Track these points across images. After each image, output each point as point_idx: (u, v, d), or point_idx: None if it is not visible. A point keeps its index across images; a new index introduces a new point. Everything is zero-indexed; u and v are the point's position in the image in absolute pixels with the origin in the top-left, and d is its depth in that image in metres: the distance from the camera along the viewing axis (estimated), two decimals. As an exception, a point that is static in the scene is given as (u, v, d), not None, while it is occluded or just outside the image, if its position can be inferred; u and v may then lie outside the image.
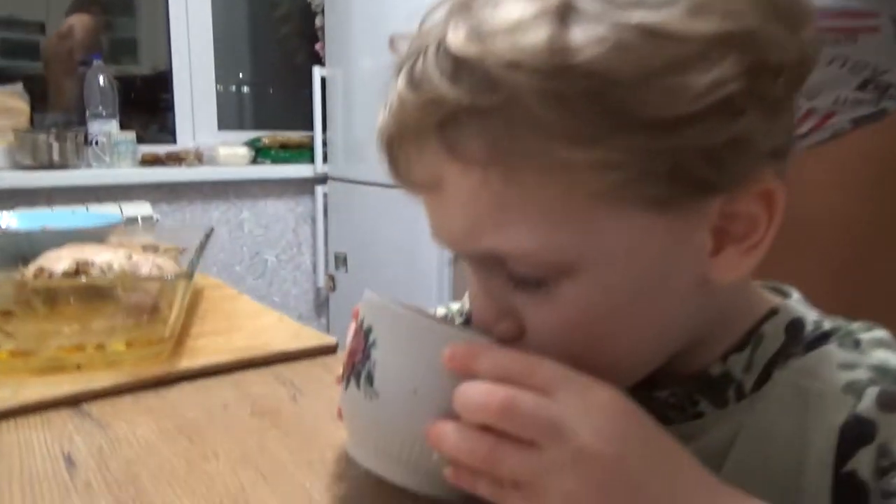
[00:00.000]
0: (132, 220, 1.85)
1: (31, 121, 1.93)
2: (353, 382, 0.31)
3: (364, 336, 0.31)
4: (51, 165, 1.81)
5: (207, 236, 0.69)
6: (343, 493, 0.34)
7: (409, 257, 1.90)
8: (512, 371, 0.28)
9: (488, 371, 0.28)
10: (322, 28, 2.17)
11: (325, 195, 2.22)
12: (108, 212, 1.84)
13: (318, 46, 2.22)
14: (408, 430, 0.29)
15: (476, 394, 0.27)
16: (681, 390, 0.37)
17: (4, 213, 0.89)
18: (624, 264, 0.31)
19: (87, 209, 1.71)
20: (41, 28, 2.46)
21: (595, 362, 0.30)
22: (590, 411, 0.27)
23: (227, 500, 0.34)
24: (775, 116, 0.31)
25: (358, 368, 0.30)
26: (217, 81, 2.25)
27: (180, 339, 0.56)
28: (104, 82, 2.00)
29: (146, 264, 0.65)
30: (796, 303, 0.38)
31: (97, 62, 2.01)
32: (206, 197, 2.08)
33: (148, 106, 2.33)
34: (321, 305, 2.36)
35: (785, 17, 0.30)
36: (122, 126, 1.98)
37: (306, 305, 2.33)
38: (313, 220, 2.27)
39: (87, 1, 2.30)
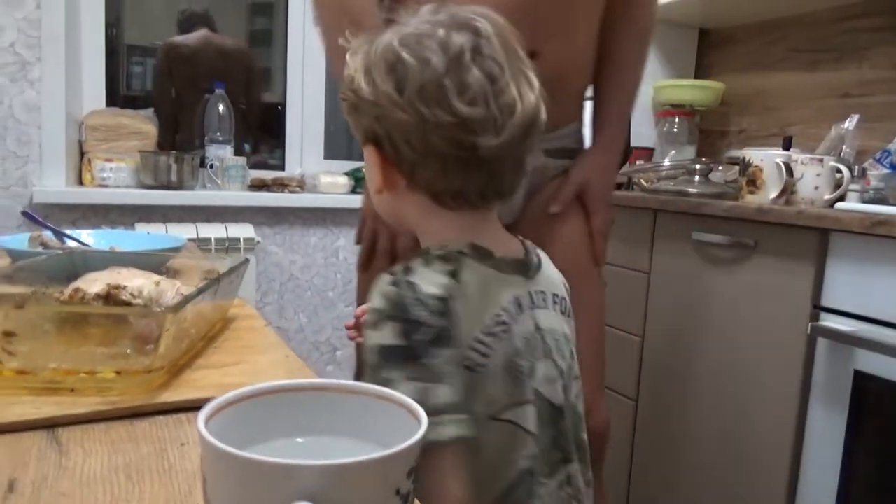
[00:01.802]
0: (234, 241, 1.96)
1: (159, 142, 2.11)
2: None
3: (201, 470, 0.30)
4: (169, 185, 1.97)
5: (233, 269, 0.71)
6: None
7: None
8: None
9: None
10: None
11: (418, 227, 2.25)
12: (214, 231, 1.96)
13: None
14: None
15: None
16: None
17: (84, 231, 0.97)
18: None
19: (166, 230, 1.83)
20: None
21: None
22: None
23: (119, 551, 0.33)
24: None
25: None
26: (327, 113, 2.37)
27: (181, 370, 0.58)
28: (223, 110, 2.15)
29: (170, 291, 0.68)
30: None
31: (219, 91, 2.16)
32: (306, 222, 2.17)
33: (271, 131, 2.50)
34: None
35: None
36: (243, 149, 2.12)
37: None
38: (405, 251, 2.30)
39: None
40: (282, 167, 2.33)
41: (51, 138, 1.87)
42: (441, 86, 0.59)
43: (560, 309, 0.73)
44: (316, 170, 2.27)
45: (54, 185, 1.86)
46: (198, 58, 2.45)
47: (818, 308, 1.23)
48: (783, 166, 1.34)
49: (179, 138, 2.39)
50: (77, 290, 0.65)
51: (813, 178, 1.38)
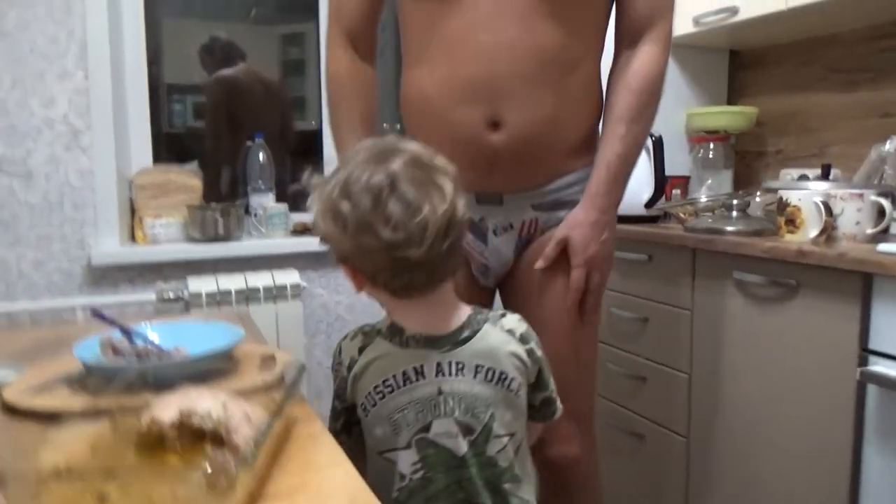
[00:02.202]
0: (281, 288, 2.02)
1: (210, 183, 2.19)
2: None
3: None
4: (216, 238, 2.04)
5: (292, 383, 0.75)
6: None
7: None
8: None
9: None
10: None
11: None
12: (262, 280, 2.03)
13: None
14: None
15: None
16: None
17: (147, 323, 1.03)
18: None
19: (217, 282, 1.87)
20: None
21: None
22: None
23: None
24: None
25: None
26: None
27: (253, 500, 0.63)
28: (263, 159, 2.22)
29: (237, 414, 0.72)
30: None
31: (259, 140, 2.24)
32: (349, 263, 2.23)
33: (310, 157, 2.56)
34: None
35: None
36: (283, 182, 2.20)
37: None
38: (446, 286, 2.34)
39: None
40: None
41: (104, 201, 1.96)
42: (369, 221, 0.80)
43: (486, 377, 0.90)
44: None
45: (110, 246, 1.95)
46: (251, 91, 2.56)
47: (867, 351, 1.23)
48: (822, 206, 1.33)
49: (225, 180, 2.48)
50: (153, 420, 0.70)
51: (854, 214, 1.37)
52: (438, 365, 0.89)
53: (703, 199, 1.63)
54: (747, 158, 2.11)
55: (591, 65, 1.12)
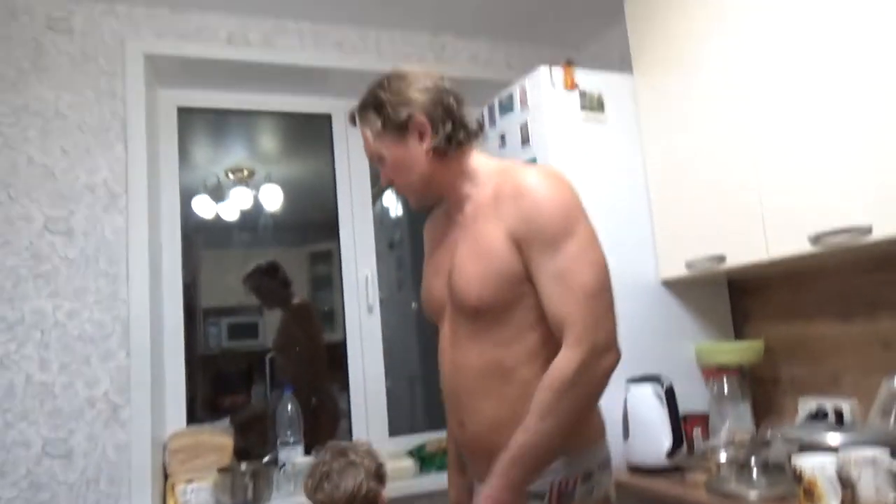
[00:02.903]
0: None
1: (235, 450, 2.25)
2: None
3: None
4: (245, 502, 2.07)
5: None
6: None
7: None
8: None
9: None
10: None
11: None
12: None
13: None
14: None
15: None
16: None
17: None
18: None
19: None
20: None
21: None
22: None
23: None
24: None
25: None
26: (388, 379, 2.52)
27: None
28: (292, 411, 2.31)
29: None
30: None
31: (288, 394, 2.33)
32: (377, 513, 2.22)
33: (336, 366, 2.66)
34: None
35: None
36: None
37: None
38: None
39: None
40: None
41: (139, 473, 2.03)
42: (317, 490, 1.50)
43: None
44: (381, 449, 2.36)
45: (142, 521, 1.99)
46: (314, 315, 2.84)
47: None
48: (837, 481, 1.34)
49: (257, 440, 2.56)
50: None
51: (871, 479, 1.37)
52: None
53: (723, 455, 1.64)
54: (764, 385, 2.13)
55: (533, 369, 1.22)
